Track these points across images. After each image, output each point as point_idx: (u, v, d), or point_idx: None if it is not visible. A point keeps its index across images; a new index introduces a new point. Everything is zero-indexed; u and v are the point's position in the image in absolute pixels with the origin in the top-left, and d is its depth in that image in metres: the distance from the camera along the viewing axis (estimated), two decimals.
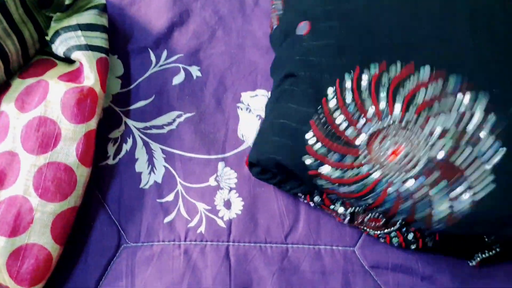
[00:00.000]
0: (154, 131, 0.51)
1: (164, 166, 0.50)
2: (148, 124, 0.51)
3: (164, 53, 0.55)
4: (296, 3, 0.50)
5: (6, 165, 0.44)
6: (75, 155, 0.44)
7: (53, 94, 0.45)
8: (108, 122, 0.51)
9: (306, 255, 0.48)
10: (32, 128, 0.44)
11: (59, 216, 0.43)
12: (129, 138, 0.51)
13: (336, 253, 0.48)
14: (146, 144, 0.51)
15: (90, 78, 0.46)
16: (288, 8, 0.52)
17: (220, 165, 0.50)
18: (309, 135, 0.42)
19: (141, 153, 0.50)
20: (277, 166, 0.44)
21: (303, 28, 0.47)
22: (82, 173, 0.45)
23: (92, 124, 0.45)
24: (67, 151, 0.44)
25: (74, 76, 0.47)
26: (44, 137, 0.44)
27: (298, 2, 0.50)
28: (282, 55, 0.50)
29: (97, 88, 0.46)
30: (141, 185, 0.49)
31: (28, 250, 0.42)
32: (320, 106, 0.42)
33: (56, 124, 0.44)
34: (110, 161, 0.50)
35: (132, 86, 0.53)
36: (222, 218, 0.48)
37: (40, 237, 0.42)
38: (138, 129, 0.51)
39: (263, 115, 0.52)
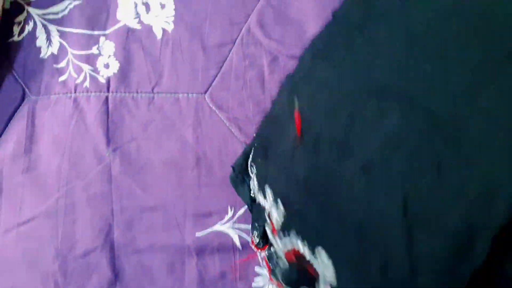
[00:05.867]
0: (51, 16, 0.66)
1: (59, 41, 0.65)
2: (45, 11, 0.66)
3: None
4: None
5: None
6: None
7: None
8: (14, 10, 0.66)
9: (167, 100, 0.63)
10: None
11: None
12: (30, 21, 0.65)
13: (190, 98, 0.63)
14: (44, 26, 0.65)
15: None
16: None
17: (102, 38, 0.65)
18: None
19: (41, 32, 0.65)
20: None
21: None
22: None
23: None
24: None
25: None
26: None
27: None
28: None
29: None
30: (41, 55, 0.64)
31: None
32: None
33: None
34: (16, 38, 0.65)
35: None
36: (102, 76, 0.64)
37: None
38: (38, 15, 0.66)
39: (137, 1, 0.67)
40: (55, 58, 0.64)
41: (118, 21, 0.66)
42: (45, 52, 0.65)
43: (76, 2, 0.67)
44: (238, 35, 0.66)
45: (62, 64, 0.64)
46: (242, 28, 0.67)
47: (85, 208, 0.59)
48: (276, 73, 0.64)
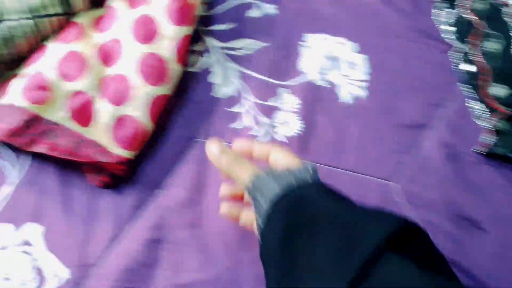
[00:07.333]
0: (232, 52, 0.57)
1: (235, 82, 0.56)
2: (226, 44, 0.58)
3: None
4: None
5: (111, 48, 0.51)
6: (173, 52, 0.51)
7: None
8: (193, 37, 0.57)
9: (350, 180, 0.53)
10: (139, 22, 0.51)
11: (156, 98, 0.50)
12: (208, 53, 0.57)
13: (374, 183, 0.54)
14: (222, 61, 0.57)
15: None
16: None
17: (285, 91, 0.56)
18: None
19: (217, 67, 0.56)
20: None
21: None
22: (176, 68, 0.52)
23: (190, 29, 0.53)
24: (167, 47, 0.51)
25: None
26: (149, 31, 0.51)
27: None
28: None
29: (198, 2, 0.53)
30: (213, 94, 0.55)
31: (129, 119, 0.49)
32: None
33: (159, 23, 0.51)
34: (190, 69, 0.56)
35: (215, 11, 0.60)
36: (281, 134, 0.54)
37: (140, 112, 0.49)
38: (217, 47, 0.57)
39: (327, 54, 0.59)
40: (229, 100, 0.55)
41: (304, 74, 0.57)
42: (219, 91, 0.56)
43: (264, 44, 0.58)
44: (437, 118, 0.57)
45: (235, 109, 0.55)
46: (443, 111, 0.57)
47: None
48: (482, 169, 0.54)
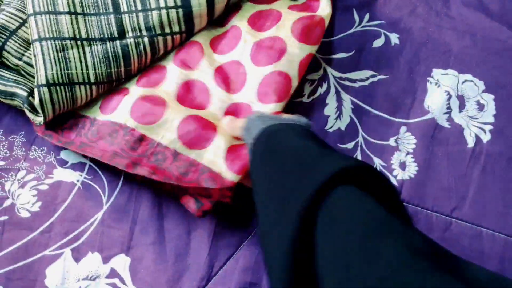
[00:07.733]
0: (347, 82, 0.55)
1: (350, 116, 0.54)
2: (343, 75, 0.55)
3: (367, 16, 0.58)
4: None
5: (233, 72, 0.50)
6: (297, 69, 0.49)
7: (286, 20, 0.50)
8: (309, 65, 0.56)
9: (468, 232, 0.50)
10: (262, 45, 0.49)
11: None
12: (324, 83, 0.55)
13: (497, 239, 0.50)
14: (338, 92, 0.55)
15: (325, 10, 0.51)
16: None
17: (402, 128, 0.53)
18: None
19: (332, 99, 0.54)
20: None
21: None
22: (295, 87, 0.50)
23: (314, 49, 0.50)
24: (291, 64, 0.49)
25: (306, 7, 0.52)
26: (272, 51, 0.49)
27: None
28: None
29: (327, 21, 0.51)
30: (326, 127, 0.54)
31: (244, 146, 0.47)
32: None
33: (284, 41, 0.49)
34: (305, 99, 0.54)
35: (334, 38, 0.57)
36: (395, 177, 0.52)
37: None
38: (334, 77, 0.55)
39: (451, 92, 0.54)
40: (341, 136, 0.53)
41: (425, 112, 0.54)
42: (331, 125, 0.54)
43: (381, 76, 0.55)
44: None
45: (348, 145, 0.53)
46: None
47: None
48: None
